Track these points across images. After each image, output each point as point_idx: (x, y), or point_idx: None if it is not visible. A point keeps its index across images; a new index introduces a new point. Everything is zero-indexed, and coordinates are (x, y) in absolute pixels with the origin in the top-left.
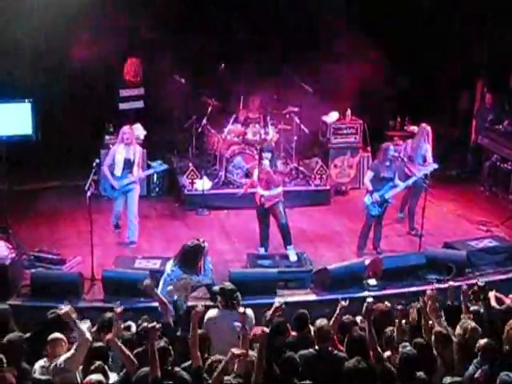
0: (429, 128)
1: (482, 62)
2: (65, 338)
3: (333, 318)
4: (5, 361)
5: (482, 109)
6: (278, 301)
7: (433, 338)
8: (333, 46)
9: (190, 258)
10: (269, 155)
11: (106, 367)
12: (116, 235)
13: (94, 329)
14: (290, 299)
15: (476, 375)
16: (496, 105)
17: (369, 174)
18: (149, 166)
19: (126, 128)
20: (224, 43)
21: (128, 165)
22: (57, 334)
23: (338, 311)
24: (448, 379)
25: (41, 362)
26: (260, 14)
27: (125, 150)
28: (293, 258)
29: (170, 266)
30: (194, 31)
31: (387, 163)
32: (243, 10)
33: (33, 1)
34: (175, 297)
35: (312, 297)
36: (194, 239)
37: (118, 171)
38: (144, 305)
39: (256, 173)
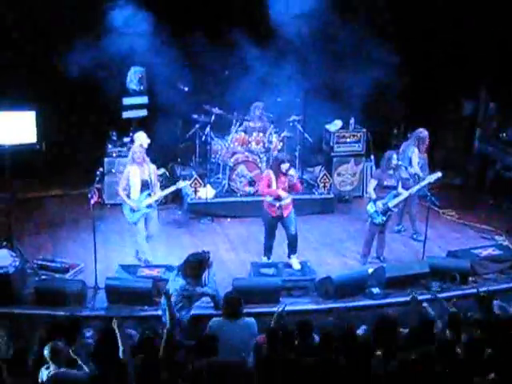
0: (424, 133)
1: (486, 70)
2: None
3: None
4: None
5: (486, 117)
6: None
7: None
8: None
9: (194, 269)
10: (287, 165)
11: None
12: (119, 243)
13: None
14: (293, 308)
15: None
16: (499, 113)
17: (372, 183)
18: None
19: (135, 147)
20: (227, 51)
21: (146, 186)
22: (57, 343)
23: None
24: None
25: (46, 370)
26: (262, 21)
27: (139, 170)
28: (296, 266)
29: (173, 276)
30: (198, 40)
31: (390, 172)
32: (245, 19)
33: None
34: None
35: (315, 305)
36: (198, 250)
37: (136, 194)
38: (146, 313)
39: (274, 182)
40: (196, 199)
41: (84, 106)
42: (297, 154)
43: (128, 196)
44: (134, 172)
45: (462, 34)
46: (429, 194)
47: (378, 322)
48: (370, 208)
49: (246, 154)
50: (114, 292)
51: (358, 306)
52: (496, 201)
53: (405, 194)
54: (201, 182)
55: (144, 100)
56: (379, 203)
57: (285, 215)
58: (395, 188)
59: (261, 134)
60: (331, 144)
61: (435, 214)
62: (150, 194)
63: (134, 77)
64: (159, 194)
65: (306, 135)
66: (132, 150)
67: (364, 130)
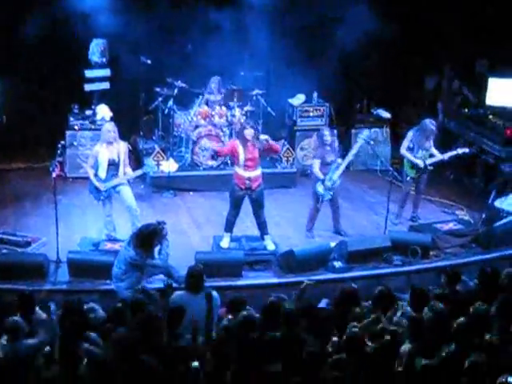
0: (426, 123)
1: (449, 46)
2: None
3: (294, 300)
4: None
5: (449, 93)
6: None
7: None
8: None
9: (145, 240)
10: (251, 131)
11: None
12: (81, 217)
13: (59, 312)
14: (255, 282)
15: (446, 355)
16: (464, 89)
17: (316, 163)
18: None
19: (108, 125)
20: (191, 24)
21: (113, 166)
22: (15, 318)
23: (298, 293)
24: (422, 361)
25: (2, 341)
26: None
27: (107, 149)
28: (271, 247)
29: (125, 244)
30: (161, 11)
31: (328, 148)
32: None
33: None
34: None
35: (278, 279)
36: (153, 221)
37: (103, 173)
38: (109, 287)
39: (241, 153)
40: (158, 173)
41: (45, 78)
42: (260, 127)
43: (95, 174)
44: (102, 151)
45: (428, 10)
46: (391, 168)
47: (340, 296)
48: (320, 188)
49: (209, 127)
50: (76, 266)
51: (320, 279)
52: (457, 175)
53: (343, 163)
54: (163, 155)
55: (106, 72)
56: (327, 182)
57: (253, 187)
58: (335, 162)
59: (224, 108)
60: (294, 118)
61: (397, 189)
62: (116, 175)
63: (96, 49)
64: (128, 173)
65: (269, 109)
66: (105, 128)
67: (327, 104)
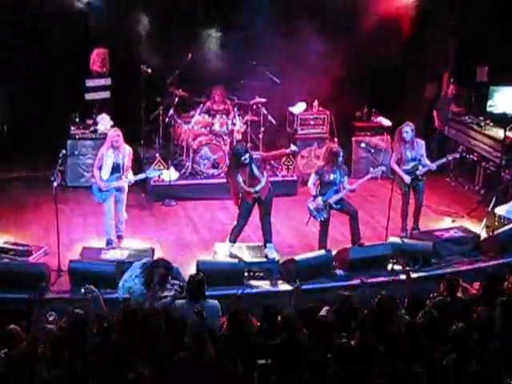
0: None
1: (449, 53)
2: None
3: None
4: None
5: (446, 99)
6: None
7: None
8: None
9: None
10: (247, 156)
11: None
12: (82, 226)
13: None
14: (257, 290)
15: (445, 362)
16: (460, 96)
17: (312, 177)
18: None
19: (113, 131)
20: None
21: (117, 169)
22: (13, 326)
23: (293, 298)
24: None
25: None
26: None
27: (114, 154)
28: (271, 255)
29: (133, 275)
30: (160, 21)
31: (334, 167)
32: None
33: None
34: None
35: (279, 287)
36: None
37: (106, 175)
38: (110, 296)
39: (239, 178)
40: (159, 181)
41: (46, 87)
42: (260, 136)
43: (99, 176)
44: (109, 154)
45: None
46: (392, 176)
47: (340, 303)
48: (310, 205)
49: (210, 136)
50: (78, 275)
51: (321, 287)
52: (458, 183)
53: (344, 191)
54: (164, 164)
55: (107, 82)
56: (319, 200)
57: (263, 197)
58: (335, 184)
59: (224, 117)
60: (295, 126)
61: (397, 197)
62: (119, 177)
63: (97, 58)
64: (130, 178)
65: (269, 118)
66: (110, 134)
67: (327, 112)
